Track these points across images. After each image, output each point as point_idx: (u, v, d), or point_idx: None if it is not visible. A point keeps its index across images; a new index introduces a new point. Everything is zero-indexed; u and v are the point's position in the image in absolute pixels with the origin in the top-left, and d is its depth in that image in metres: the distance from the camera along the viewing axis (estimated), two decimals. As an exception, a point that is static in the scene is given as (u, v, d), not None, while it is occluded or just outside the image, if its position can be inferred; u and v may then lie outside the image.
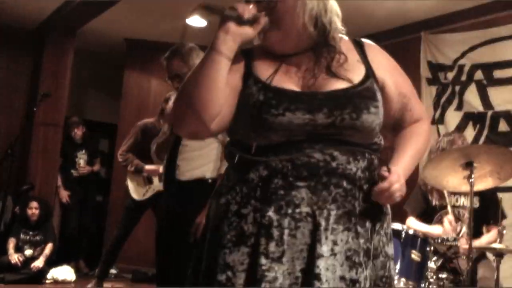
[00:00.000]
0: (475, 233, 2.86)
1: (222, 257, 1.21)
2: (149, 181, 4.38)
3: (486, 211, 3.10)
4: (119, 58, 6.48)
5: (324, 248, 1.18)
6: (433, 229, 3.08)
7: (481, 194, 3.05)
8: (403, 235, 2.68)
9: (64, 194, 5.82)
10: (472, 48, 4.41)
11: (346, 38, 1.37)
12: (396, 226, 2.68)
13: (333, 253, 1.19)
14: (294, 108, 1.22)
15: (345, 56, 1.29)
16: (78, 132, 5.92)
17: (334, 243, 1.19)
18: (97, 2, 4.87)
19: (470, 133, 4.33)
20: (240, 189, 1.26)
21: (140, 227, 4.64)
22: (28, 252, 4.92)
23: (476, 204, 3.06)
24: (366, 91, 1.26)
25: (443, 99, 4.57)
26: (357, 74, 1.28)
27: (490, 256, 3.07)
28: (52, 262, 5.05)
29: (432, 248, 2.81)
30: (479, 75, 4.38)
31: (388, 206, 1.34)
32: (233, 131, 1.33)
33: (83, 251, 5.94)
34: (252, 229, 1.22)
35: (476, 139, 4.29)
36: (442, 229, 3.02)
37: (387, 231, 1.33)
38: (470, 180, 2.66)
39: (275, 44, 1.32)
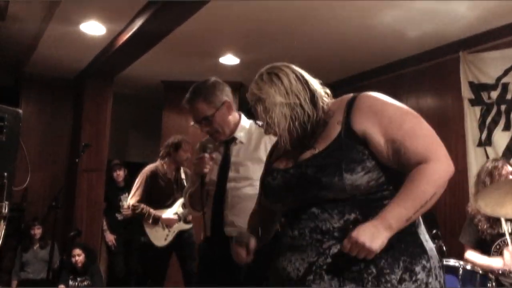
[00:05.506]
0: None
1: None
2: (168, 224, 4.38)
3: None
4: (157, 100, 6.58)
5: None
6: (494, 262, 2.89)
7: None
8: (460, 272, 2.53)
9: (111, 238, 5.88)
10: (515, 65, 4.25)
11: (347, 96, 1.48)
12: (453, 262, 2.53)
13: None
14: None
15: (325, 124, 1.46)
16: (120, 174, 6.01)
17: None
18: (132, 48, 4.98)
19: (521, 153, 4.14)
20: None
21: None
22: (78, 299, 4.97)
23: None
24: (327, 156, 1.41)
25: (488, 120, 4.39)
26: (327, 140, 1.44)
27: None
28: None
29: (494, 283, 2.63)
30: (525, 93, 4.20)
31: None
32: None
33: (132, 293, 5.94)
34: None
35: (528, 160, 4.09)
36: (502, 261, 2.84)
37: None
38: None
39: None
